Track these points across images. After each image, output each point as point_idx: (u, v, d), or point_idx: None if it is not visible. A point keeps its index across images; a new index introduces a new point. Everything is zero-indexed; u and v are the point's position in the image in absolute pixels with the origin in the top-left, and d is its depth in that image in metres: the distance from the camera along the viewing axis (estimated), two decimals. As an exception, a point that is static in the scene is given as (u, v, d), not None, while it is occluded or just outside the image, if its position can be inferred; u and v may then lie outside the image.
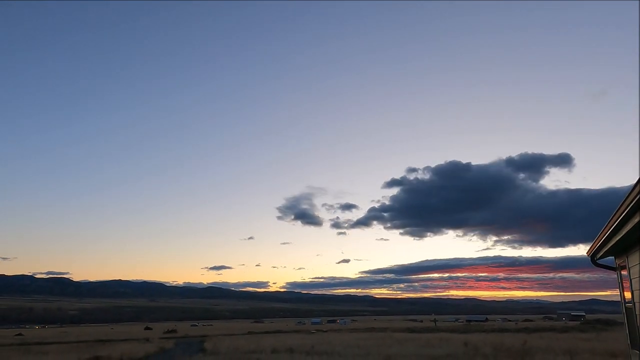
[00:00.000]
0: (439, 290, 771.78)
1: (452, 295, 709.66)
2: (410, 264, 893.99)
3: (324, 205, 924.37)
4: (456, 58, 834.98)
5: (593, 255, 10.23)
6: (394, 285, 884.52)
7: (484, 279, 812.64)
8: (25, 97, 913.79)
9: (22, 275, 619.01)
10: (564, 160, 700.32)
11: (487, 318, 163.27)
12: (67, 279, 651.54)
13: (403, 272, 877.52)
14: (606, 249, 9.45)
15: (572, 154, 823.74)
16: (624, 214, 7.03)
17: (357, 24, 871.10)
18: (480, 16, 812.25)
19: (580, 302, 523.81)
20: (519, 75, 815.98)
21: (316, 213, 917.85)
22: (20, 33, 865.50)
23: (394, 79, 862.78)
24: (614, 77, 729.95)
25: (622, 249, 9.29)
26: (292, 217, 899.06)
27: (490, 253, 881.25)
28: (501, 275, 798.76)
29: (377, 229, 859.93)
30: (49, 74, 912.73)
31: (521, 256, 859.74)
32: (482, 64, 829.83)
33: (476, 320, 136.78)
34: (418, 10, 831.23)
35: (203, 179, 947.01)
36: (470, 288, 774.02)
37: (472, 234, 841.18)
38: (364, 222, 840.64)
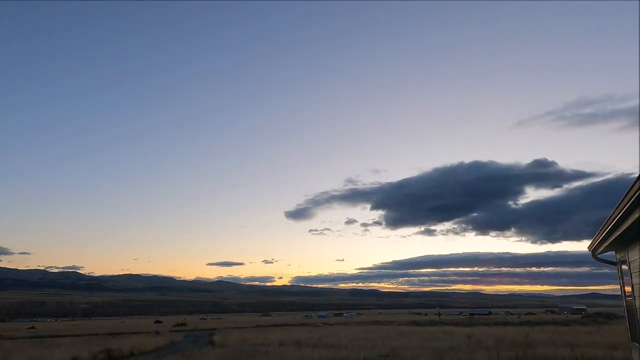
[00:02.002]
0: (443, 285, 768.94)
1: (456, 289, 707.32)
2: (412, 258, 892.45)
3: (330, 221, 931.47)
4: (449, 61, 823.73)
5: (594, 250, 10.33)
6: (398, 279, 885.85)
7: (488, 274, 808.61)
8: (30, 90, 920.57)
9: (35, 270, 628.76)
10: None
11: (490, 311, 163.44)
12: (79, 273, 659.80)
13: (405, 267, 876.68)
14: (607, 244, 9.54)
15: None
16: (624, 210, 7.12)
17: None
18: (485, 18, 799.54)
19: (582, 296, 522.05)
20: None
21: (321, 219, 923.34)
22: (28, 31, 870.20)
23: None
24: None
25: (622, 244, 9.37)
26: (299, 219, 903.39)
27: (494, 249, 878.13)
28: (504, 270, 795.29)
29: (375, 233, 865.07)
30: (57, 66, 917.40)
31: (522, 251, 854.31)
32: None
33: (479, 314, 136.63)
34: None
35: (215, 177, 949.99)
36: (474, 282, 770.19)
37: (473, 231, 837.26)
38: (363, 230, 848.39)
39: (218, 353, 24.23)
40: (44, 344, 36.84)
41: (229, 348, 27.28)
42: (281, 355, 22.01)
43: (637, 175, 6.30)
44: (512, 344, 21.37)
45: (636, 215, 7.03)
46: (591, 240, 10.32)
